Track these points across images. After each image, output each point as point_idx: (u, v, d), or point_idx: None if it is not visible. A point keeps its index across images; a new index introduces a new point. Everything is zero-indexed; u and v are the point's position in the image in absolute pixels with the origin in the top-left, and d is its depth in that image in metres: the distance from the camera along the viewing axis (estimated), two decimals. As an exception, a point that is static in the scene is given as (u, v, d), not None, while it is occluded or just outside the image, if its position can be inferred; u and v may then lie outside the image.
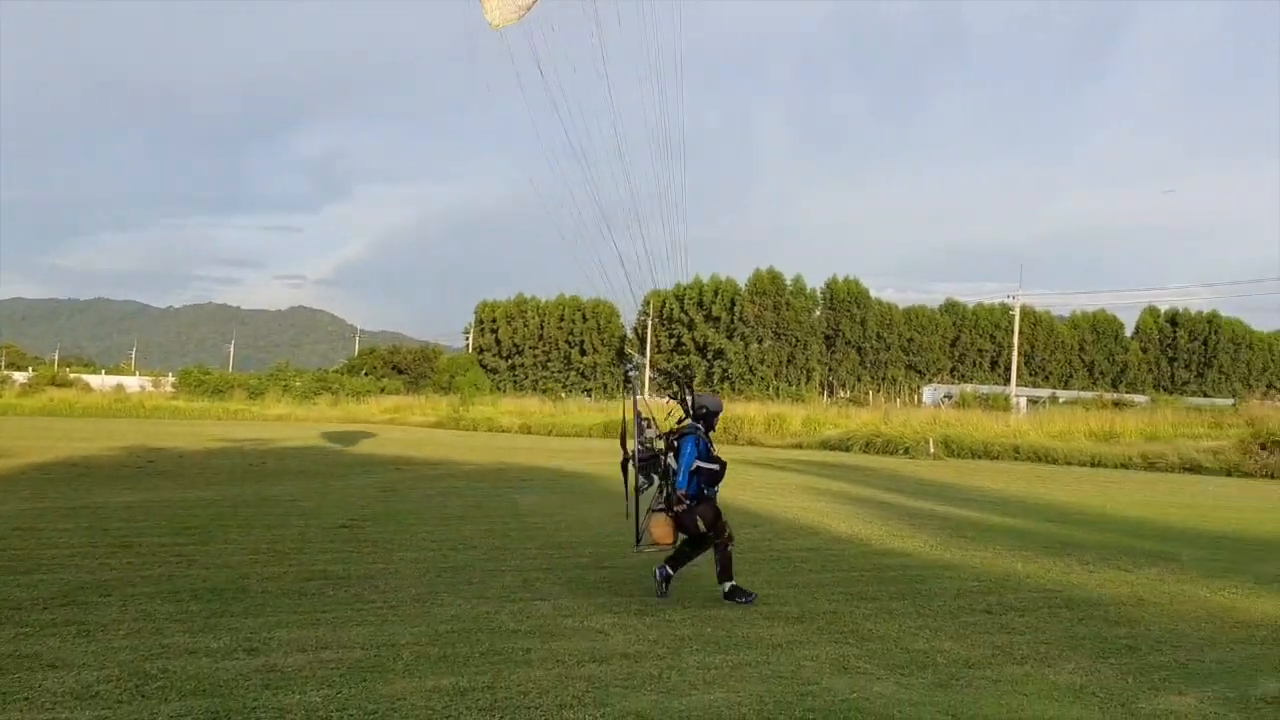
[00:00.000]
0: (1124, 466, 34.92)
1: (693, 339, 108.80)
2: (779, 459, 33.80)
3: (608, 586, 9.92)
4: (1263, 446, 32.54)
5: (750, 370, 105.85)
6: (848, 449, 41.45)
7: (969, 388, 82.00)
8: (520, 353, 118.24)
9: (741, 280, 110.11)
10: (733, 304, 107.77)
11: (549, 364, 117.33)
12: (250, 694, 6.18)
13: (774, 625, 8.38)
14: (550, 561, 11.41)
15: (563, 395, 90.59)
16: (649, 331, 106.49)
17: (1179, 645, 8.15)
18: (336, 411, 67.32)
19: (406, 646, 7.40)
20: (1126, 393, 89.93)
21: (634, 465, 9.49)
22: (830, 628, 8.36)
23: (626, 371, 10.14)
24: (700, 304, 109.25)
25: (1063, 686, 6.83)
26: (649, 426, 9.62)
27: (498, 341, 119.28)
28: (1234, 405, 56.31)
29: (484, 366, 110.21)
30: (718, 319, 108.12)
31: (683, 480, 9.14)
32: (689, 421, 9.50)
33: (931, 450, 38.50)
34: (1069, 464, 35.99)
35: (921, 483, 24.84)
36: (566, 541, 13.00)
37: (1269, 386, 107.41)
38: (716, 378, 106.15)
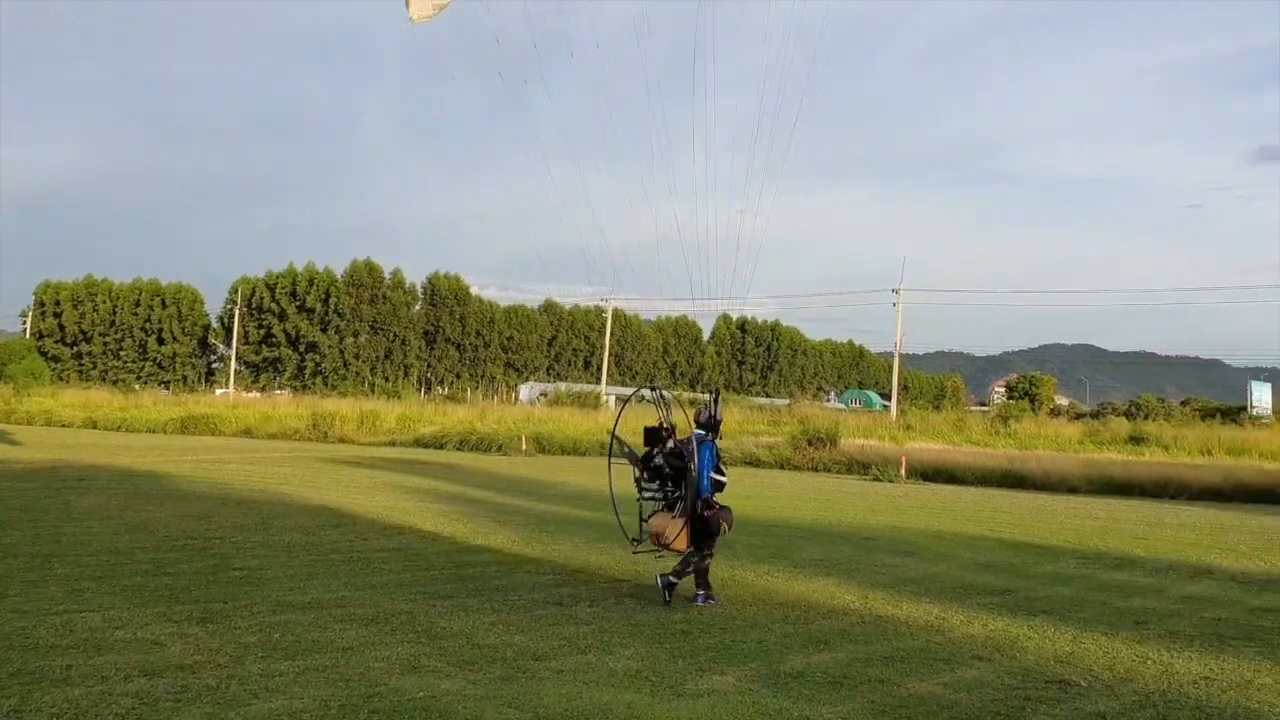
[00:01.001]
0: (695, 462, 37.75)
1: (284, 330, 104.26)
2: (370, 457, 33.25)
3: (169, 594, 9.26)
4: (810, 442, 36.60)
5: (345, 365, 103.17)
6: (442, 446, 41.61)
7: (564, 386, 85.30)
8: (88, 340, 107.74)
9: (339, 270, 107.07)
10: (328, 295, 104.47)
11: (121, 353, 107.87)
12: None
13: (346, 628, 8.22)
14: (105, 569, 10.48)
15: (136, 387, 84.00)
16: (235, 321, 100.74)
17: (725, 628, 8.95)
18: None
19: (-87, 674, 6.50)
20: (703, 392, 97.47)
21: (633, 469, 10.20)
22: (404, 628, 8.35)
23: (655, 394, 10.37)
24: (293, 294, 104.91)
25: (620, 672, 7.27)
26: (669, 438, 9.94)
27: (61, 327, 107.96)
28: (789, 405, 62.85)
29: (44, 354, 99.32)
30: (311, 310, 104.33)
31: (706, 484, 9.60)
32: (697, 430, 9.94)
33: (524, 447, 39.55)
34: (648, 460, 38.37)
35: (512, 479, 25.45)
36: (126, 547, 11.99)
37: (818, 389, 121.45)
38: (309, 372, 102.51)
